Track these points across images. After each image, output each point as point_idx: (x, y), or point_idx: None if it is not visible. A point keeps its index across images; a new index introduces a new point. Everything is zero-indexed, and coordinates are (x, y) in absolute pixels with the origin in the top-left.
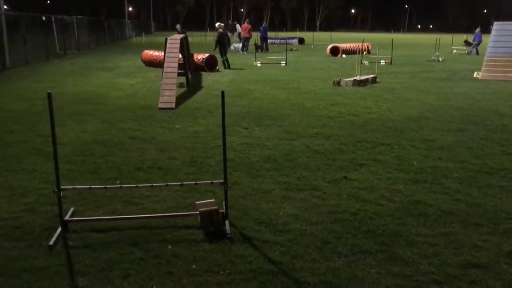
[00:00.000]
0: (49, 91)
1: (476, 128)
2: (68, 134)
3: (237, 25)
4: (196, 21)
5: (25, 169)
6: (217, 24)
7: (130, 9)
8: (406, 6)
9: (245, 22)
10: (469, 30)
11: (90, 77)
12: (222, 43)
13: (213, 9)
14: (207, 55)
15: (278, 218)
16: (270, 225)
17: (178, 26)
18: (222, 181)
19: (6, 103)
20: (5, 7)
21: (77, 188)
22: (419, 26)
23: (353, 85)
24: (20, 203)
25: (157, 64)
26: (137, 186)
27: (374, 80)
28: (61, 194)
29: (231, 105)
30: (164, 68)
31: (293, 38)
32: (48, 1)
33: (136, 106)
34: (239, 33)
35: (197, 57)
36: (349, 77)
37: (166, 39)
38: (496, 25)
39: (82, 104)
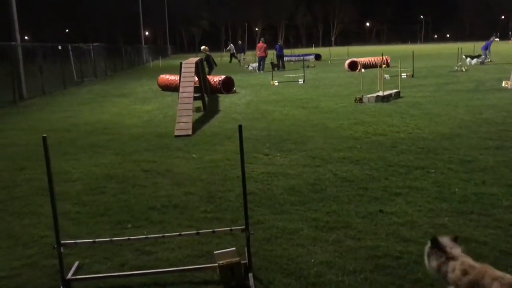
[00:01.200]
0: (44, 135)
1: None
2: (79, 169)
3: (231, 45)
4: (211, 42)
5: (32, 212)
6: (202, 48)
7: (147, 33)
8: (422, 16)
9: (260, 41)
10: (487, 37)
11: (106, 105)
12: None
13: (228, 29)
14: (223, 76)
15: (309, 268)
16: (301, 276)
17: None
18: (243, 227)
19: (19, 136)
20: (26, 37)
21: (78, 242)
22: (435, 36)
23: (376, 101)
24: (22, 255)
25: (174, 88)
26: (146, 237)
27: (397, 95)
28: (62, 250)
29: (249, 129)
30: (180, 94)
31: (309, 54)
32: (67, 30)
33: (152, 135)
34: (233, 53)
35: (213, 79)
36: (371, 93)
37: (181, 63)
38: None
39: (96, 135)
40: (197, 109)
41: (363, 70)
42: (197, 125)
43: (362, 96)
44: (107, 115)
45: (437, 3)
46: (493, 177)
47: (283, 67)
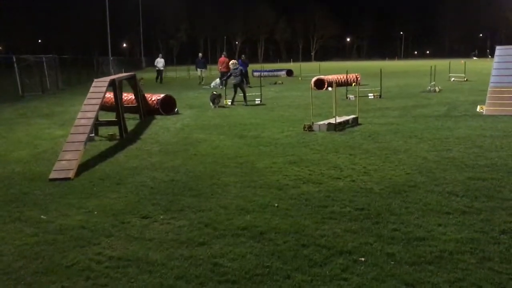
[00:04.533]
0: None
1: (491, 207)
2: None
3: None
4: (190, 55)
5: None
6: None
7: (124, 45)
8: (401, 32)
9: (222, 55)
10: (466, 55)
11: (17, 128)
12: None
13: (207, 42)
14: (162, 95)
15: None
16: None
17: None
18: None
19: None
20: None
21: None
22: (415, 52)
23: (328, 129)
24: None
25: (108, 107)
26: None
27: (355, 121)
28: None
29: (155, 169)
30: (76, 120)
31: (281, 70)
32: (39, 41)
33: (24, 176)
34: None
35: (151, 98)
36: (325, 119)
37: (94, 81)
38: (498, 50)
39: None
40: (111, 137)
41: (329, 88)
42: (93, 161)
43: (312, 123)
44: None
45: (416, 20)
46: (453, 276)
47: (247, 83)
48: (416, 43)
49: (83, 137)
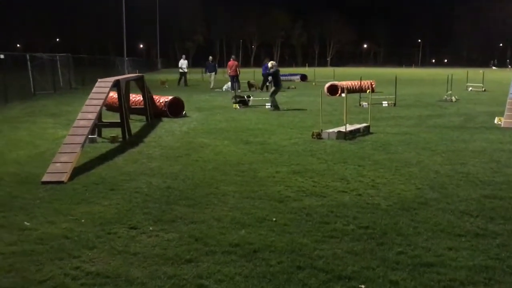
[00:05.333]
0: None
1: (508, 231)
2: None
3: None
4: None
5: None
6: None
7: (141, 46)
8: (419, 40)
9: (231, 59)
10: (485, 64)
11: (21, 127)
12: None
13: (223, 45)
14: (170, 97)
15: None
16: None
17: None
18: None
19: None
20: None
21: None
22: (433, 60)
23: (337, 138)
24: None
25: (117, 108)
26: None
27: (367, 130)
28: None
29: (153, 174)
30: (75, 121)
31: (295, 74)
32: (58, 39)
33: (17, 178)
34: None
35: (158, 100)
36: (335, 127)
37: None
38: None
39: None
40: (112, 139)
41: (343, 95)
42: (90, 164)
43: (321, 130)
44: (1, 142)
45: (434, 27)
46: None
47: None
48: (434, 51)
49: (81, 139)
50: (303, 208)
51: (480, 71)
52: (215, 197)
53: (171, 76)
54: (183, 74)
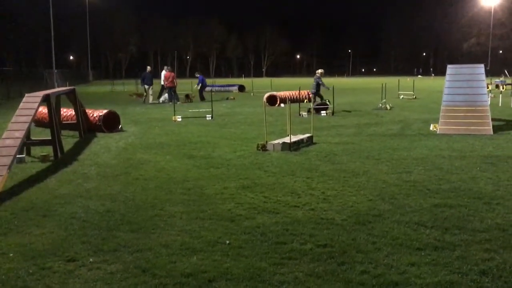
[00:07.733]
0: None
1: (465, 241)
2: None
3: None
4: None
5: None
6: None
7: (71, 58)
8: (349, 50)
9: (167, 70)
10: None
11: None
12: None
13: (157, 56)
14: (105, 111)
15: None
16: None
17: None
18: None
19: None
20: None
21: None
22: (363, 70)
23: (282, 149)
24: None
25: (47, 124)
26: None
27: (310, 140)
28: None
29: (90, 196)
30: (1, 141)
31: (233, 85)
32: None
33: None
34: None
35: (92, 114)
36: (279, 138)
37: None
38: (450, 69)
39: None
40: (43, 158)
41: (282, 105)
42: (18, 187)
43: (267, 142)
44: None
45: (363, 38)
46: None
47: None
48: (363, 61)
49: (8, 160)
50: (257, 227)
51: (407, 79)
52: (160, 220)
53: (104, 88)
54: (164, 88)
